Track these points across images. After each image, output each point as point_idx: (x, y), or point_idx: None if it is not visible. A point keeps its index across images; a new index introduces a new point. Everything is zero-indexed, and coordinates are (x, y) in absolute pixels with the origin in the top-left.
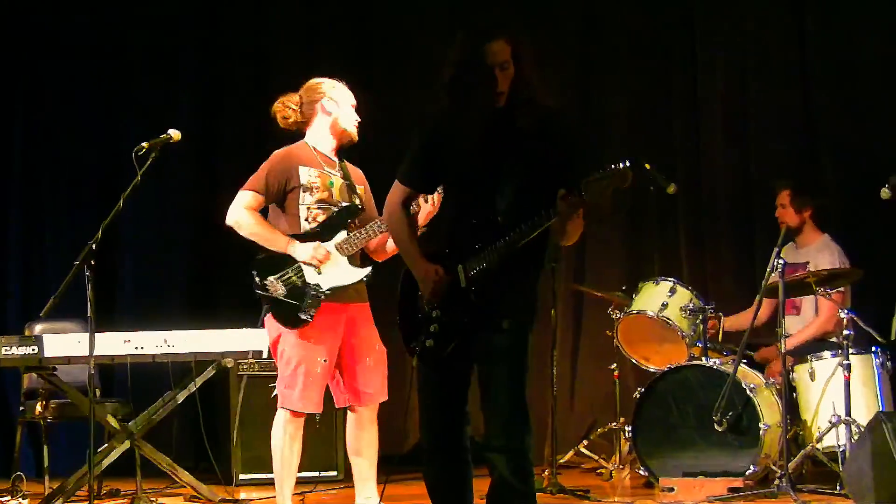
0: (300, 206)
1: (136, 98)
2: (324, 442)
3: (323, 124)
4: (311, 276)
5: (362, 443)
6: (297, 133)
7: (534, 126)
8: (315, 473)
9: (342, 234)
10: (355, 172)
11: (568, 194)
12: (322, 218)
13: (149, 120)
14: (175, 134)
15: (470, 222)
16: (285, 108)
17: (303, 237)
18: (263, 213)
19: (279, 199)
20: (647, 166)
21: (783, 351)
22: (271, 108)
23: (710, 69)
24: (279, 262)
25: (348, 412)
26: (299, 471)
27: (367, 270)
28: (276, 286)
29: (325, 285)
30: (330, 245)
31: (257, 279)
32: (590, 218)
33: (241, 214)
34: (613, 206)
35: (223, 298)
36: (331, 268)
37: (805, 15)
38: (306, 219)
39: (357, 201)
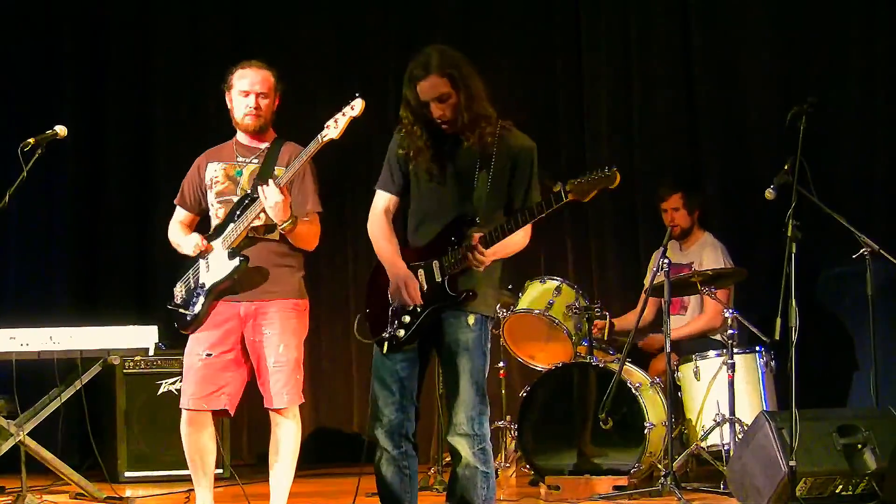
0: (210, 206)
1: (18, 92)
2: None
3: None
4: (202, 276)
5: (271, 447)
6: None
7: (478, 144)
8: None
9: (230, 227)
10: (289, 153)
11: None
12: (221, 214)
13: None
14: (61, 130)
15: (442, 223)
16: None
17: (209, 237)
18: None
19: (200, 202)
20: None
21: (668, 350)
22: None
23: (595, 72)
24: (185, 267)
25: None
26: (180, 469)
27: (235, 263)
28: (179, 292)
29: (207, 283)
30: (217, 241)
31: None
32: None
33: (169, 227)
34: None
35: (107, 296)
36: (215, 264)
37: (689, 18)
38: (215, 216)
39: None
